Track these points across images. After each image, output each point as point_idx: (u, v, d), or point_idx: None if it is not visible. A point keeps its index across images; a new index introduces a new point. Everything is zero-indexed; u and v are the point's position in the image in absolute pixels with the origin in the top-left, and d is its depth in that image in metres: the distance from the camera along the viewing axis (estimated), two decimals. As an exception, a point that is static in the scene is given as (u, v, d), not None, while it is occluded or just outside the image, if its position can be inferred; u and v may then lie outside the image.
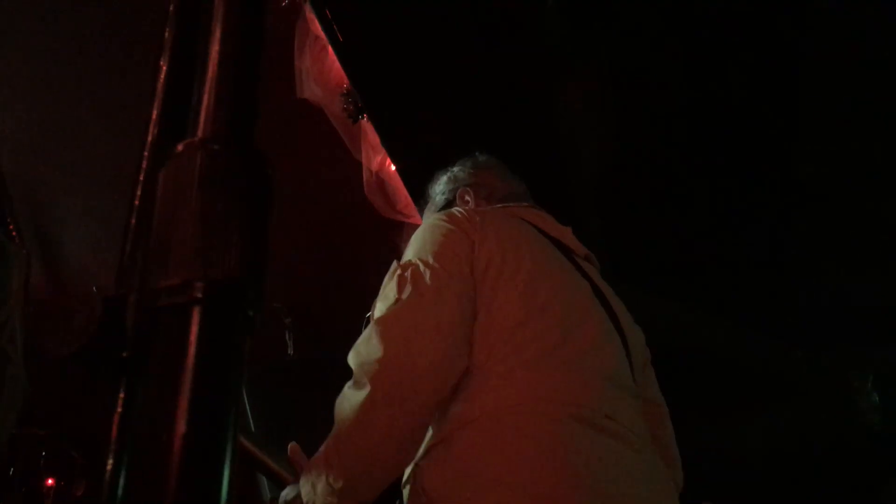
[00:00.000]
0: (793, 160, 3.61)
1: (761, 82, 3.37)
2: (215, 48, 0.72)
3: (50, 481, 4.26)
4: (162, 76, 0.80)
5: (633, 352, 1.75)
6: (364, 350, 1.46)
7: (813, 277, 4.16)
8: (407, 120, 3.43)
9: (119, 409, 0.60)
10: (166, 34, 0.83)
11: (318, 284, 4.16)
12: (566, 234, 1.93)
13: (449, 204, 2.22)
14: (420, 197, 3.68)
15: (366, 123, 3.41)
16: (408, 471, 1.51)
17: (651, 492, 1.46)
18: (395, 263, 1.65)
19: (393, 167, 3.60)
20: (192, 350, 0.54)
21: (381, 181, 3.61)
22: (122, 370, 0.61)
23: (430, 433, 1.50)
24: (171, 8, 0.84)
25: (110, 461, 0.59)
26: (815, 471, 4.32)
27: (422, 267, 1.56)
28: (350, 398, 1.43)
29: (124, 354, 0.60)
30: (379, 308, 1.55)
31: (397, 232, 3.94)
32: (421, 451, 1.49)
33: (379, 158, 3.55)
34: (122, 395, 0.60)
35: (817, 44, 3.17)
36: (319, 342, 3.94)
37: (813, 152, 3.57)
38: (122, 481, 0.58)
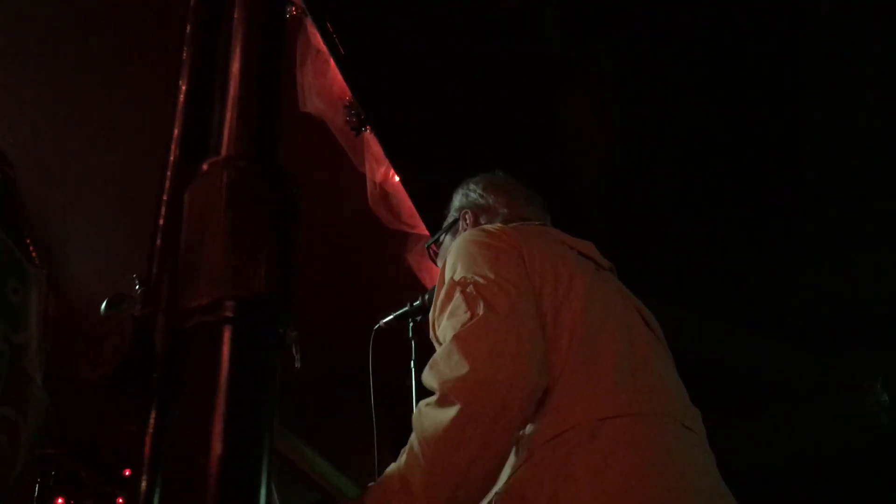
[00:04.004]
0: (798, 163, 3.62)
1: (763, 87, 3.38)
2: (236, 66, 0.72)
3: (60, 501, 4.26)
4: (182, 96, 0.80)
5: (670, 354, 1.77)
6: (446, 367, 1.41)
7: (820, 280, 4.16)
8: (410, 131, 3.43)
9: (150, 431, 0.60)
10: (184, 54, 0.83)
11: (322, 296, 4.15)
12: (591, 248, 1.92)
13: (455, 222, 2.22)
14: (423, 207, 3.70)
15: (369, 135, 3.41)
16: (486, 502, 1.48)
17: (726, 497, 1.48)
18: (448, 280, 1.61)
19: (397, 178, 3.60)
20: (224, 369, 0.54)
21: (385, 192, 3.61)
22: (152, 391, 0.60)
23: (510, 456, 1.47)
24: (189, 27, 0.84)
25: (143, 483, 0.59)
26: (825, 473, 4.31)
27: (483, 281, 1.52)
28: (436, 416, 1.37)
29: (155, 375, 0.60)
30: (449, 325, 1.51)
31: (402, 243, 3.94)
32: (505, 474, 1.46)
33: (382, 170, 3.55)
34: (153, 417, 0.60)
35: (818, 49, 3.17)
36: (326, 354, 3.94)
37: (817, 155, 3.57)
38: (156, 497, 0.58)
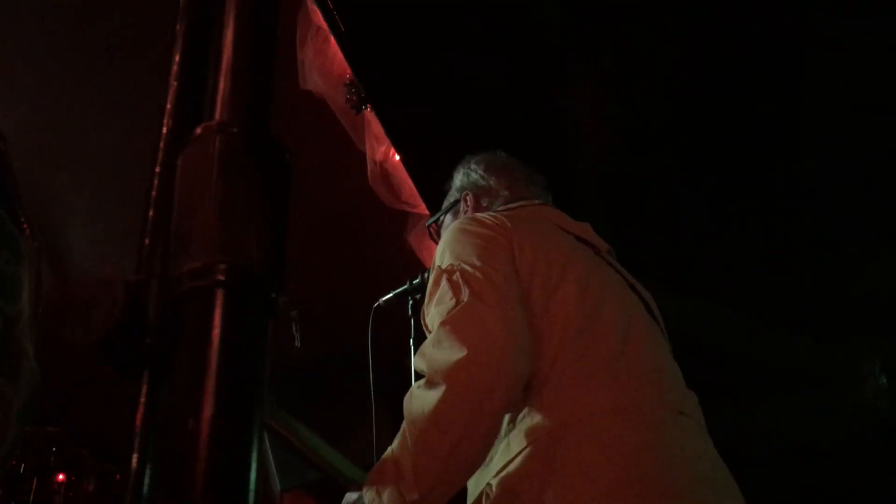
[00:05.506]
0: (800, 148, 3.61)
1: (766, 74, 3.36)
2: (229, 35, 0.71)
3: (60, 477, 4.28)
4: (175, 68, 0.79)
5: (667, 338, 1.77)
6: (434, 353, 1.43)
7: (820, 265, 4.15)
8: (411, 109, 3.41)
9: (143, 396, 0.60)
10: (178, 28, 0.83)
11: (322, 275, 4.15)
12: (587, 231, 1.91)
13: (456, 203, 2.22)
14: (424, 187, 3.69)
15: (369, 114, 3.39)
16: (477, 491, 1.49)
17: (726, 484, 1.48)
18: (436, 268, 1.61)
19: (397, 157, 3.58)
20: (216, 332, 0.54)
21: (385, 171, 3.60)
22: (145, 357, 0.60)
23: (501, 448, 1.47)
24: (182, 2, 0.83)
25: (136, 447, 0.59)
26: (824, 457, 4.32)
27: (470, 269, 1.52)
28: (423, 398, 1.39)
29: (147, 341, 0.59)
30: (436, 312, 1.52)
31: (402, 222, 3.93)
32: (495, 466, 1.46)
33: (383, 149, 3.53)
34: (145, 382, 0.60)
35: (821, 36, 3.16)
36: (325, 334, 3.94)
37: (820, 140, 3.56)
38: (149, 467, 0.58)
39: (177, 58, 0.83)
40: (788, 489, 4.30)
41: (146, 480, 0.59)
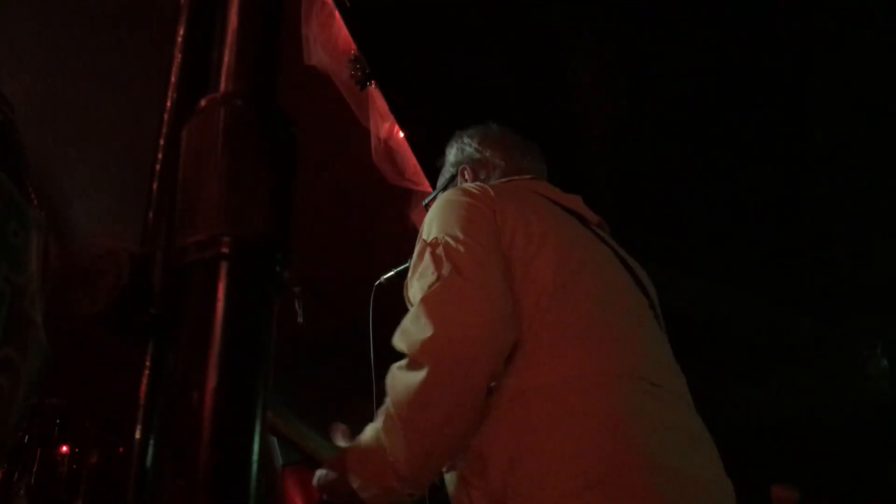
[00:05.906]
0: (805, 124, 3.59)
1: (772, 50, 3.34)
2: (235, 6, 0.71)
3: (64, 449, 4.31)
4: (179, 40, 0.79)
5: (659, 314, 1.76)
6: (414, 330, 1.42)
7: (822, 246, 4.15)
8: (416, 86, 3.40)
9: (147, 368, 0.60)
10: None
11: (325, 252, 4.15)
12: (577, 202, 1.91)
13: (453, 178, 2.21)
14: (428, 164, 3.68)
15: (374, 90, 3.38)
16: None
17: (702, 455, 1.48)
18: (421, 241, 1.62)
19: (401, 134, 3.57)
20: (220, 305, 0.54)
21: (389, 148, 3.59)
22: (149, 328, 0.60)
23: None
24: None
25: (140, 419, 0.59)
26: (825, 437, 4.34)
27: (453, 242, 1.53)
28: (406, 380, 1.39)
29: (152, 312, 0.60)
30: (418, 287, 1.52)
31: (406, 199, 3.92)
32: None
33: (387, 125, 3.52)
34: (149, 353, 0.60)
35: (831, 7, 3.13)
36: (328, 311, 3.95)
37: (824, 115, 3.54)
38: (152, 439, 0.58)
39: (181, 30, 0.83)
40: (789, 470, 4.33)
41: (149, 453, 0.59)
